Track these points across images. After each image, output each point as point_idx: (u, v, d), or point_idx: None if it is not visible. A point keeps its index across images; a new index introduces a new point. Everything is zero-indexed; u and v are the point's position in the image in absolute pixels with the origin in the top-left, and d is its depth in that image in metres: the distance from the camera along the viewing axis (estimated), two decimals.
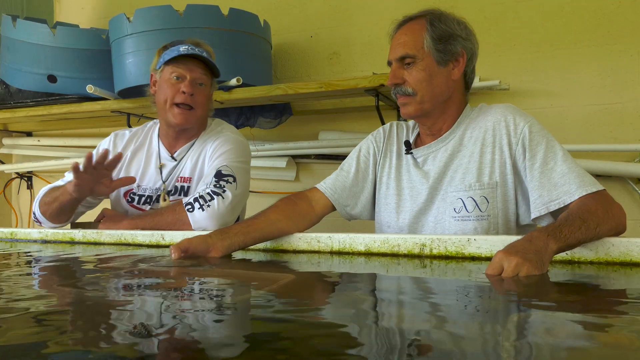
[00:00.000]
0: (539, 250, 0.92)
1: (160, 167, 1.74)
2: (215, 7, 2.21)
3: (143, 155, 1.77)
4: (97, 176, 1.50)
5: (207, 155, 1.70)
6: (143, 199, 1.74)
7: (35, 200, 1.70)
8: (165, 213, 1.57)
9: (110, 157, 1.48)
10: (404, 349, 0.53)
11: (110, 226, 1.61)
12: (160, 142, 1.77)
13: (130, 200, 1.75)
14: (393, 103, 2.32)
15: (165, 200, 1.70)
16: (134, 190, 1.75)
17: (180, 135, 1.74)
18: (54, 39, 2.43)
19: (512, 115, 1.29)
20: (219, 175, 1.59)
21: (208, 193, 1.54)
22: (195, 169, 1.72)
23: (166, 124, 1.71)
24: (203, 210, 1.52)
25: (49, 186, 1.72)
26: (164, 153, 1.76)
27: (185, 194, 1.70)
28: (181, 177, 1.72)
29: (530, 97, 2.26)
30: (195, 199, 1.54)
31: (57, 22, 2.88)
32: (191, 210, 1.53)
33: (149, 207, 1.73)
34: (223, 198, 1.54)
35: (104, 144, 1.81)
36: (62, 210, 1.63)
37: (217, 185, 1.56)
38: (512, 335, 0.57)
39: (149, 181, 1.74)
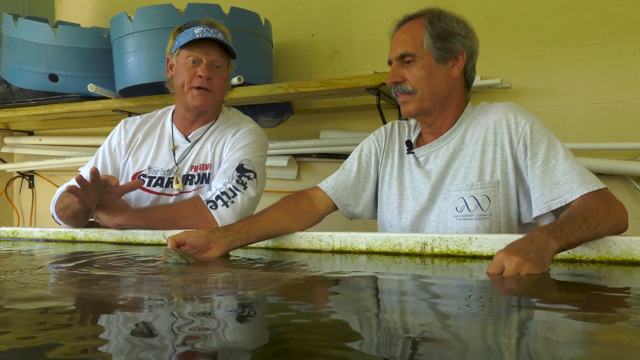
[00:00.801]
0: (539, 250, 0.92)
1: (174, 149, 1.71)
2: (216, 6, 2.22)
3: (155, 137, 1.74)
4: (99, 190, 1.45)
5: (229, 145, 1.67)
6: (154, 180, 1.69)
7: (52, 202, 1.68)
8: (183, 208, 1.54)
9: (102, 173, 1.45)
10: (406, 348, 0.53)
11: (111, 215, 1.55)
12: (174, 126, 1.74)
13: None
14: (394, 102, 2.30)
15: (178, 182, 1.67)
16: (144, 172, 1.71)
17: (197, 119, 1.71)
18: (55, 38, 2.44)
19: (513, 113, 1.28)
20: (241, 170, 1.58)
21: (230, 189, 1.53)
22: (215, 156, 1.68)
23: (184, 107, 1.68)
24: (228, 206, 1.50)
25: (63, 188, 1.65)
26: (178, 135, 1.72)
27: (207, 181, 1.67)
28: (202, 165, 1.69)
29: (532, 96, 2.26)
30: (218, 196, 1.52)
31: (58, 21, 2.88)
32: (214, 207, 1.50)
33: (160, 188, 1.68)
34: (244, 194, 1.53)
35: (114, 134, 1.78)
36: (76, 217, 1.61)
37: (239, 181, 1.55)
38: (514, 334, 0.57)
39: (161, 163, 1.70)
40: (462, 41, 1.31)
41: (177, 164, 1.69)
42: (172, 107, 1.80)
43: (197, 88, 1.61)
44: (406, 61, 1.32)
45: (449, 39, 1.30)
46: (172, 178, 1.68)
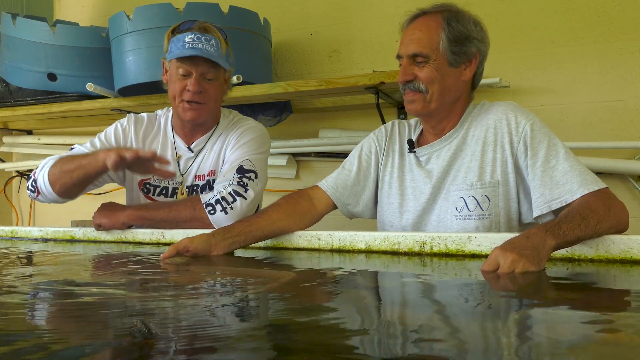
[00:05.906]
0: (536, 247, 0.92)
1: (178, 159, 1.67)
2: (215, 5, 2.21)
3: (158, 144, 1.70)
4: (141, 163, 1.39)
5: (230, 145, 1.64)
6: (158, 189, 1.67)
7: (41, 168, 1.55)
8: (182, 209, 1.52)
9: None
10: (405, 347, 0.53)
11: (113, 216, 1.55)
12: (175, 133, 1.70)
13: (145, 191, 1.68)
14: (393, 101, 2.31)
15: (183, 193, 1.64)
16: (149, 181, 1.68)
17: (195, 128, 1.67)
18: (54, 37, 2.43)
19: (514, 113, 1.28)
20: (241, 171, 1.55)
21: (230, 193, 1.50)
22: (219, 162, 1.66)
23: (179, 118, 1.65)
24: (226, 213, 1.48)
25: (60, 155, 1.55)
26: (180, 144, 1.69)
27: (211, 188, 1.64)
28: (210, 171, 1.65)
29: (531, 95, 2.26)
30: (217, 201, 1.49)
31: (57, 20, 2.88)
32: (213, 212, 1.48)
33: (165, 198, 1.65)
34: (246, 199, 1.51)
35: (122, 127, 1.70)
36: (83, 181, 1.49)
37: (241, 183, 1.53)
38: (512, 333, 0.57)
39: None
40: (478, 45, 1.29)
41: (182, 174, 1.66)
42: (171, 109, 1.75)
43: (188, 102, 1.57)
44: (418, 61, 1.28)
45: (465, 43, 1.27)
46: (177, 189, 1.66)
